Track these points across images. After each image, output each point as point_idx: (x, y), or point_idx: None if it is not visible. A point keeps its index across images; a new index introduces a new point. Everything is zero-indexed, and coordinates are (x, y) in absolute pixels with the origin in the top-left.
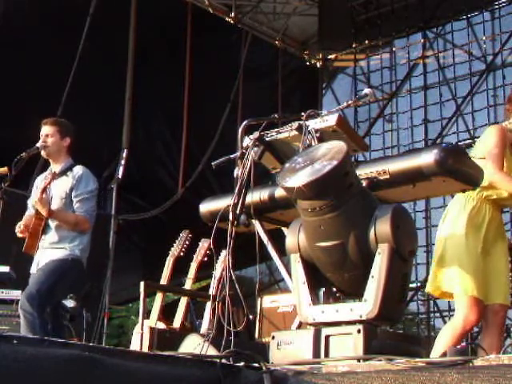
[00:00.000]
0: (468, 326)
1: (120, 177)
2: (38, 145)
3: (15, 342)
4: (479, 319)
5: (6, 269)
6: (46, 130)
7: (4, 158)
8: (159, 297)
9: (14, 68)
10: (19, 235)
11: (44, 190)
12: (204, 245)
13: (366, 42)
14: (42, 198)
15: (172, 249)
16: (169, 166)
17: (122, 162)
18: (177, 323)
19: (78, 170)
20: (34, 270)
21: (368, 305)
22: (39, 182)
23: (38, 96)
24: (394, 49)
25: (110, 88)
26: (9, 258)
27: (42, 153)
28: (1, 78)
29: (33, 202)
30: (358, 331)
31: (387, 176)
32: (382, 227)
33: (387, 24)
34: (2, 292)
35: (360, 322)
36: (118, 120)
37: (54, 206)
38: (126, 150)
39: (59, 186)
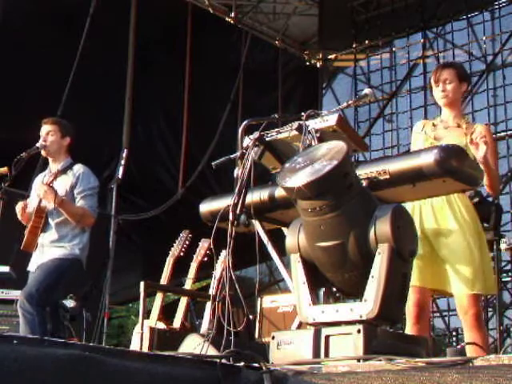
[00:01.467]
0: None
1: (120, 177)
2: (38, 144)
3: (15, 342)
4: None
5: (5, 268)
6: (46, 129)
7: (4, 158)
8: (159, 297)
9: (14, 68)
10: (20, 216)
11: (50, 183)
12: (204, 245)
13: (366, 41)
14: (49, 187)
15: (172, 249)
16: (169, 166)
17: (122, 161)
18: (177, 323)
19: (79, 167)
20: (32, 268)
21: (368, 305)
22: (38, 181)
23: (38, 96)
24: (393, 49)
25: (110, 88)
26: (9, 257)
27: (42, 152)
28: (0, 78)
29: (40, 193)
30: (358, 331)
31: (387, 176)
32: (382, 227)
33: (387, 24)
34: (2, 292)
35: (360, 321)
36: (118, 120)
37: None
38: (126, 150)
39: (60, 184)
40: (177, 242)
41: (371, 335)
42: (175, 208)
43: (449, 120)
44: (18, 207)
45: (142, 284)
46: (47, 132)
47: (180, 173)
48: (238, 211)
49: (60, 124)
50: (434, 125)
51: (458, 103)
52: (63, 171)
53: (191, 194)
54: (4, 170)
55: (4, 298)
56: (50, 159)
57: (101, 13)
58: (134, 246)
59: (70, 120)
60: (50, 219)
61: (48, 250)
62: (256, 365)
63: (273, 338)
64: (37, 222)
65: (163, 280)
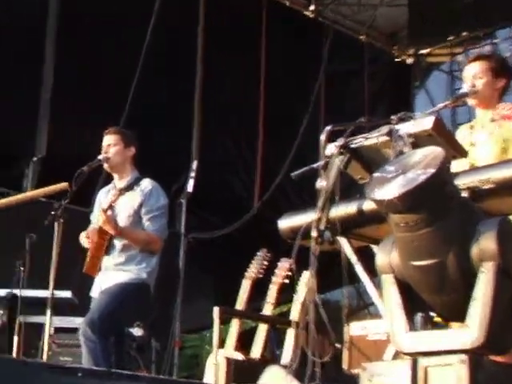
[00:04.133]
0: None
1: (190, 191)
2: (100, 157)
3: (80, 374)
4: None
5: (67, 294)
6: (109, 139)
7: (64, 172)
8: (235, 323)
9: (73, 78)
10: (86, 244)
11: (109, 207)
12: (284, 265)
13: (464, 33)
14: (108, 215)
15: (248, 270)
16: (243, 178)
17: (192, 174)
18: (256, 353)
19: (147, 183)
20: (95, 293)
21: (472, 332)
22: (102, 196)
23: (99, 107)
24: (496, 40)
25: (177, 95)
26: (70, 281)
27: (105, 165)
28: (59, 89)
29: (97, 220)
30: (462, 362)
31: (492, 185)
32: (487, 243)
33: (488, 12)
34: (64, 319)
35: (463, 351)
36: (186, 129)
37: (122, 223)
38: (196, 162)
39: (126, 202)
40: (253, 262)
41: (477, 366)
42: (251, 224)
43: (484, 122)
44: (82, 238)
45: (215, 310)
46: (109, 143)
47: (256, 185)
48: (322, 227)
49: (122, 133)
50: (471, 127)
51: (492, 101)
52: (129, 187)
53: (269, 208)
54: (64, 185)
55: (65, 326)
56: (113, 173)
57: (165, 11)
58: (207, 268)
59: (135, 131)
60: (114, 240)
61: (112, 273)
62: None
63: (364, 369)
64: (100, 243)
65: (239, 305)
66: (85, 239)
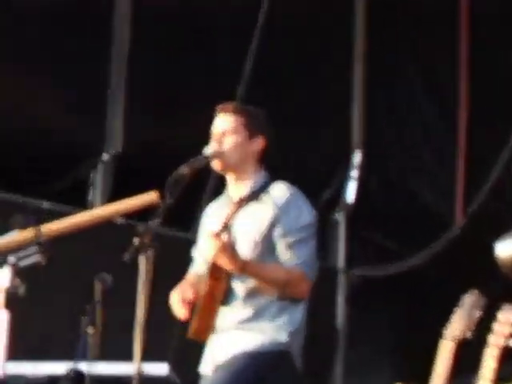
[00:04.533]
0: None
1: (351, 201)
2: (206, 151)
3: None
4: None
5: (162, 368)
6: (223, 122)
7: (151, 176)
8: None
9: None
10: (179, 311)
11: (225, 228)
12: (508, 317)
13: None
14: (223, 242)
15: (449, 324)
16: (437, 182)
17: (354, 173)
18: None
19: (282, 191)
20: (207, 369)
21: None
22: (211, 214)
23: (201, 80)
24: None
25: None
26: (166, 349)
27: (215, 164)
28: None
29: (206, 252)
30: None
31: None
32: None
33: None
34: None
35: None
36: (339, 111)
37: (243, 254)
38: (359, 154)
39: (249, 220)
40: (457, 310)
41: None
42: (450, 251)
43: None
44: (175, 300)
45: None
46: (223, 130)
47: (457, 192)
48: None
49: (246, 114)
50: None
51: None
52: (254, 197)
53: (478, 226)
54: (152, 197)
55: None
56: (228, 177)
57: None
58: (380, 321)
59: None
60: (235, 283)
61: (234, 336)
62: None
63: None
64: (213, 288)
65: (437, 379)
66: (179, 298)
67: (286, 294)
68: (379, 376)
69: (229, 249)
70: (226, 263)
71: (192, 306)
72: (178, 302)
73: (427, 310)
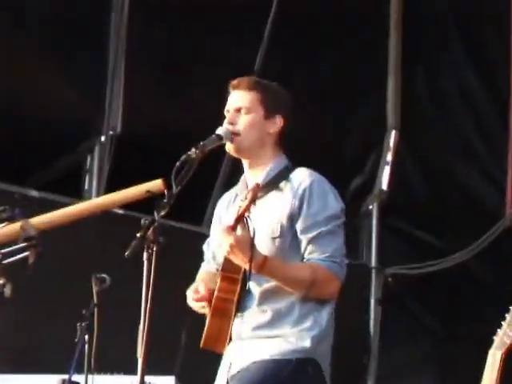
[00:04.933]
0: None
1: (385, 188)
2: (219, 131)
3: None
4: None
5: (169, 381)
6: (238, 99)
7: (156, 161)
8: None
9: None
10: (195, 305)
11: (239, 220)
12: None
13: None
14: (237, 237)
15: (499, 331)
16: (484, 166)
17: (388, 156)
18: None
19: (305, 178)
20: (222, 381)
21: None
22: (225, 205)
23: (212, 54)
24: None
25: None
26: (173, 360)
27: (228, 146)
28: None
29: (218, 249)
30: None
31: None
32: None
33: None
34: None
35: None
36: (373, 88)
37: (262, 250)
38: (394, 133)
39: (268, 211)
40: (508, 318)
41: None
42: (500, 246)
43: None
44: (191, 295)
45: None
46: (238, 107)
47: (508, 181)
48: None
49: (264, 90)
50: None
51: None
52: (272, 184)
53: None
54: (157, 184)
55: None
56: (243, 162)
57: None
58: (419, 327)
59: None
60: (252, 284)
61: (252, 344)
62: None
63: None
64: (226, 291)
65: None
66: (194, 296)
67: (311, 296)
68: (422, 381)
69: (245, 244)
70: (241, 261)
71: (209, 302)
72: (197, 297)
73: (472, 313)
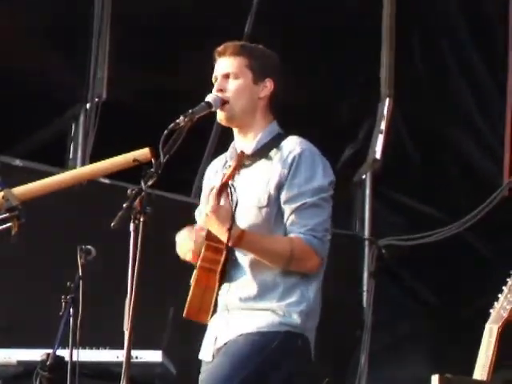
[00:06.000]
0: None
1: (378, 156)
2: (208, 98)
3: None
4: None
5: (155, 356)
6: (225, 65)
7: (143, 129)
8: None
9: None
10: (184, 249)
11: (222, 188)
12: None
13: None
14: (217, 207)
15: (496, 304)
16: (481, 134)
17: (382, 124)
18: None
19: (294, 146)
20: (208, 354)
21: None
22: (214, 172)
23: (199, 17)
24: None
25: None
26: (159, 334)
27: (219, 115)
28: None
29: (201, 217)
30: None
31: None
32: None
33: None
34: None
35: None
36: (365, 54)
37: (245, 221)
38: (388, 101)
39: (254, 180)
40: (505, 290)
41: None
42: (496, 217)
43: None
44: (182, 237)
45: (434, 379)
46: (225, 73)
47: (506, 149)
48: None
49: (251, 54)
50: None
51: None
52: (260, 152)
53: None
54: (144, 153)
55: None
56: (234, 129)
57: None
58: (415, 302)
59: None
60: (238, 254)
61: (238, 316)
62: None
63: None
64: (211, 261)
65: (479, 372)
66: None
67: (291, 269)
68: (410, 363)
69: (223, 214)
70: (216, 231)
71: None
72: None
73: (468, 286)
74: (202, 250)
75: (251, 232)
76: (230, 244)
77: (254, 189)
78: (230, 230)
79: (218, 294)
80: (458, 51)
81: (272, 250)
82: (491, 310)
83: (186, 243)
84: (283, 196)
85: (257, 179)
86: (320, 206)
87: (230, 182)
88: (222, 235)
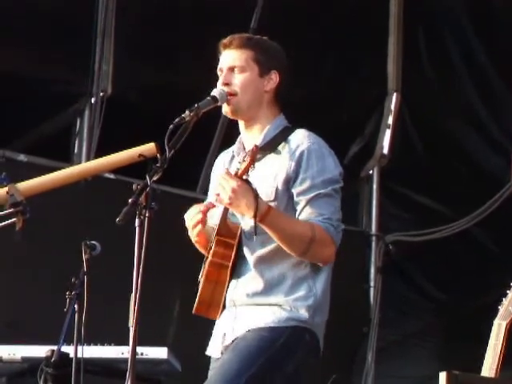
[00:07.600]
0: None
1: (386, 152)
2: (214, 93)
3: None
4: None
5: (161, 352)
6: (231, 58)
7: (148, 124)
8: None
9: None
10: (194, 236)
11: (246, 171)
12: None
13: None
14: (242, 183)
15: (504, 301)
16: (491, 135)
17: (389, 120)
18: None
19: (303, 138)
20: (216, 350)
21: None
22: (222, 165)
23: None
24: None
25: None
26: (165, 331)
27: (225, 108)
28: None
29: (221, 195)
30: None
31: None
32: None
33: None
34: None
35: None
36: (373, 49)
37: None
38: (395, 95)
39: (263, 174)
40: None
41: None
42: (505, 213)
43: None
44: (191, 215)
45: (442, 376)
46: (231, 66)
47: None
48: None
49: (257, 46)
50: None
51: None
52: (270, 146)
53: None
54: (150, 148)
55: None
56: (240, 123)
57: None
58: (423, 298)
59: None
60: (245, 250)
61: (246, 311)
62: None
63: None
64: (221, 256)
65: (487, 369)
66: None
67: (308, 258)
68: (417, 360)
69: (248, 191)
70: (244, 207)
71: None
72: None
73: (476, 282)
74: (212, 246)
75: (276, 209)
76: (257, 218)
77: (262, 183)
78: (257, 204)
79: (226, 290)
80: (464, 47)
81: (295, 231)
82: (499, 307)
83: (194, 218)
84: (296, 189)
85: (265, 173)
86: (333, 196)
87: (244, 177)
88: (250, 208)
